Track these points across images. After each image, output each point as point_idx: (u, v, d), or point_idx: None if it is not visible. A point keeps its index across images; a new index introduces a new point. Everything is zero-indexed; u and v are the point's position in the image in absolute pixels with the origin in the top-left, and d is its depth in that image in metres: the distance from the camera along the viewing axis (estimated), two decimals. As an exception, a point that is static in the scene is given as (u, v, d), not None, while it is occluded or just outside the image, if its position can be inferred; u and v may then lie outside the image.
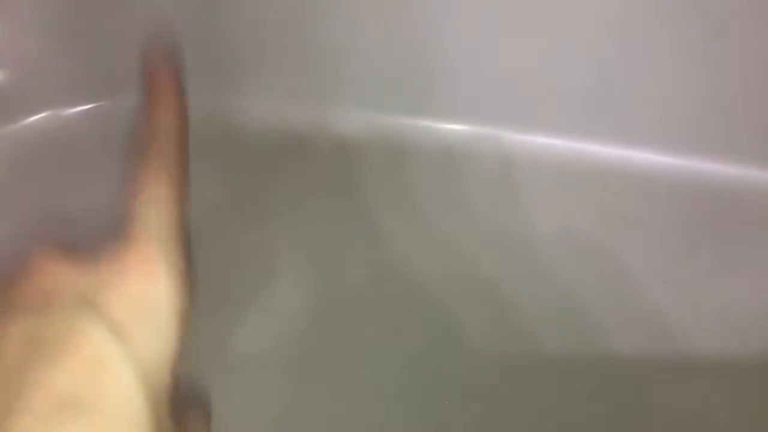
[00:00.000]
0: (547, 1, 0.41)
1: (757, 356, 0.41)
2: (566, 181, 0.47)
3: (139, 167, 0.26)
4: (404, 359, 0.41)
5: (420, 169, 0.46)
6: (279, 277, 0.45)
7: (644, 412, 0.39)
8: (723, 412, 0.39)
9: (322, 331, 0.42)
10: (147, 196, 0.26)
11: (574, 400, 0.39)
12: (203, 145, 0.46)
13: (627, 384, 0.40)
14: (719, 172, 0.47)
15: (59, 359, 0.21)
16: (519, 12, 0.42)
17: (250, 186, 0.46)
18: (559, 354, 0.40)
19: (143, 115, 0.27)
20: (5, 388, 0.20)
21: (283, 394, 0.38)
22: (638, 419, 0.39)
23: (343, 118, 0.47)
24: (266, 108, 0.46)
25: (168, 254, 0.25)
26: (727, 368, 0.40)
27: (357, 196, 0.46)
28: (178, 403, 0.24)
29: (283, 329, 0.42)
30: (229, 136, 0.46)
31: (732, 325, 0.42)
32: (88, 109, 0.47)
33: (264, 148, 0.47)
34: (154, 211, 0.25)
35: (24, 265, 0.24)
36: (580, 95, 0.46)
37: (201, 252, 0.44)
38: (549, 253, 0.44)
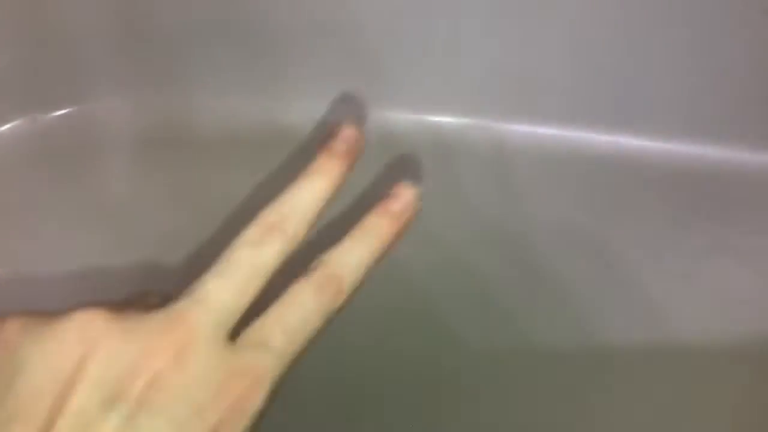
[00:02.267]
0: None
1: (750, 342, 0.40)
2: (558, 169, 0.47)
3: None
4: (393, 355, 0.40)
5: (411, 162, 0.46)
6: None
7: (636, 400, 0.38)
8: (715, 399, 0.38)
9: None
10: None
11: (566, 390, 0.39)
12: (155, 144, 0.46)
13: (619, 372, 0.39)
14: (710, 155, 0.46)
15: None
16: (502, 5, 0.41)
17: (211, 183, 0.46)
18: (550, 343, 0.40)
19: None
20: None
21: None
22: (630, 407, 0.39)
23: (330, 111, 0.47)
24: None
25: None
26: (720, 355, 0.40)
27: (347, 189, 0.45)
28: None
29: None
30: (183, 135, 0.46)
31: (725, 311, 0.41)
32: (64, 113, 0.47)
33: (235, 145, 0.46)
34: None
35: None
36: (570, 83, 0.46)
37: (175, 253, 0.43)
38: (540, 242, 0.44)
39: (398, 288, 0.42)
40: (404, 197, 0.33)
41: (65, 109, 0.46)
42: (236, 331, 0.26)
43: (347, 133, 0.33)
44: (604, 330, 0.41)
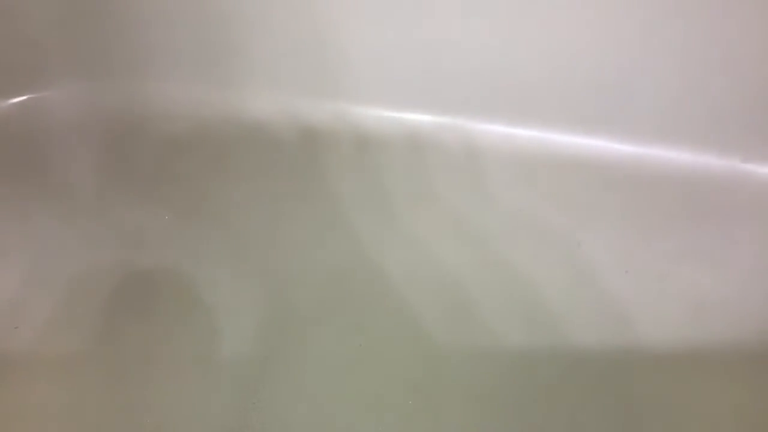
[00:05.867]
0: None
1: (722, 346, 0.41)
2: (529, 170, 0.47)
3: None
4: (366, 353, 0.39)
5: (385, 159, 0.46)
6: (235, 273, 0.43)
7: (607, 400, 0.38)
8: (686, 400, 0.39)
9: (283, 327, 0.40)
10: None
11: (537, 390, 0.38)
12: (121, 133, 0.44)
13: (590, 373, 0.39)
14: (683, 161, 0.47)
15: None
16: (482, 3, 0.41)
17: (171, 175, 0.45)
18: (522, 344, 0.40)
19: None
20: None
21: (242, 392, 0.36)
22: (601, 407, 0.39)
23: (307, 109, 0.46)
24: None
25: None
26: (692, 358, 0.40)
27: (320, 186, 0.45)
28: None
29: (243, 325, 0.40)
30: (141, 125, 0.45)
31: (696, 315, 0.42)
32: (22, 100, 0.45)
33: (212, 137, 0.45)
34: None
35: None
36: (543, 85, 0.46)
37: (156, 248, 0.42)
38: (512, 244, 0.44)
39: (367, 289, 0.42)
40: None
41: (19, 97, 0.44)
42: None
43: None
44: (574, 331, 0.41)
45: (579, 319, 0.41)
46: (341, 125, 0.46)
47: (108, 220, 0.43)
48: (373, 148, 0.46)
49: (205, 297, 0.40)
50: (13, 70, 0.44)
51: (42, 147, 0.44)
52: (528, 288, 0.42)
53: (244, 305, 0.40)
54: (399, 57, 0.45)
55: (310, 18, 0.43)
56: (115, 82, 0.45)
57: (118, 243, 0.42)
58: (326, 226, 0.43)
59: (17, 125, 0.44)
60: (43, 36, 0.43)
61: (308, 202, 0.44)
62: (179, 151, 0.45)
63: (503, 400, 0.39)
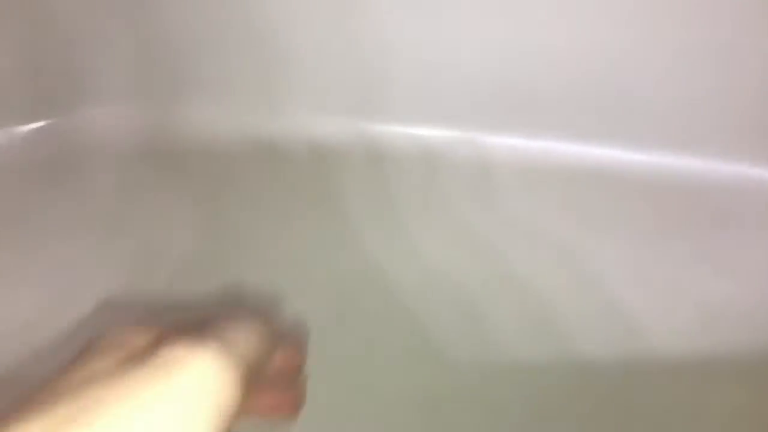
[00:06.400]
0: (517, 11, 0.41)
1: (732, 354, 0.41)
2: (539, 181, 0.48)
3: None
4: (378, 369, 0.40)
5: (398, 174, 0.46)
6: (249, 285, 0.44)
7: (622, 414, 0.39)
8: (700, 412, 0.39)
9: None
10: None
11: (550, 405, 0.39)
12: (158, 158, 0.45)
13: (604, 386, 0.39)
14: (688, 166, 0.47)
15: None
16: (489, 18, 0.42)
17: (213, 196, 0.45)
18: (533, 356, 0.40)
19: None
20: None
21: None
22: (614, 418, 0.39)
23: (318, 125, 0.47)
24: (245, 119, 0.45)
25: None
26: (703, 365, 0.40)
27: (334, 202, 0.45)
28: None
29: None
30: (168, 148, 0.45)
31: (708, 324, 0.42)
32: (40, 126, 0.46)
33: (228, 157, 0.46)
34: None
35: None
36: (551, 96, 0.46)
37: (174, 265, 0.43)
38: (522, 255, 0.44)
39: (380, 304, 0.42)
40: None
41: (43, 121, 0.45)
42: None
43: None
44: (586, 344, 0.41)
45: (590, 329, 0.42)
46: (352, 141, 0.47)
47: (123, 241, 0.43)
48: (384, 162, 0.46)
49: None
50: (37, 94, 0.45)
51: (58, 172, 0.45)
52: (539, 299, 0.43)
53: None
54: (408, 72, 0.45)
55: (334, 43, 0.43)
56: (142, 106, 0.46)
57: (133, 264, 0.43)
58: (337, 240, 0.44)
59: (39, 150, 0.45)
60: (71, 60, 0.44)
61: (319, 218, 0.45)
62: (206, 175, 0.46)
63: (514, 411, 0.39)
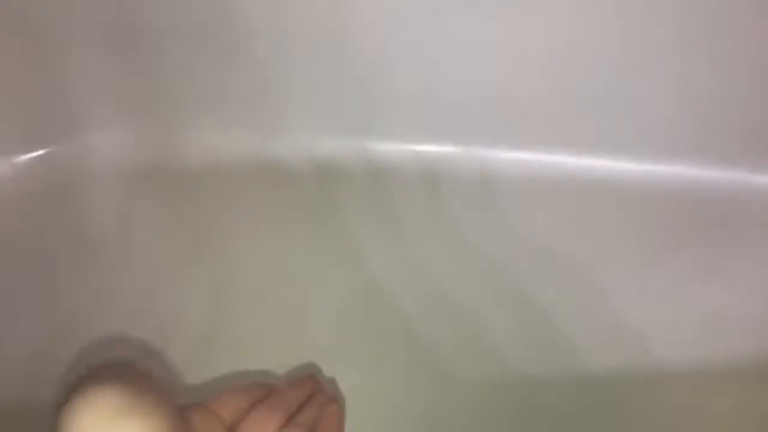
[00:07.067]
0: (511, 23, 0.41)
1: (738, 360, 0.41)
2: (542, 194, 0.47)
3: None
4: (381, 384, 0.40)
5: (399, 191, 0.46)
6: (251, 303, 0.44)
7: (625, 425, 0.39)
8: (703, 421, 0.39)
9: (294, 358, 0.41)
10: None
11: (554, 418, 0.39)
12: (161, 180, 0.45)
13: (606, 396, 0.40)
14: (688, 174, 0.47)
15: None
16: (488, 33, 0.42)
17: (200, 219, 0.46)
18: (537, 370, 0.40)
19: None
20: None
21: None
22: (620, 431, 0.39)
23: (319, 143, 0.47)
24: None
25: None
26: (708, 374, 0.40)
27: (336, 221, 0.45)
28: None
29: (258, 352, 0.41)
30: (169, 170, 0.45)
31: (710, 332, 0.42)
32: (39, 155, 0.45)
33: (228, 177, 0.46)
34: None
35: None
36: (553, 109, 0.46)
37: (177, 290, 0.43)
38: (525, 269, 0.44)
39: (383, 321, 0.42)
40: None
41: (42, 149, 0.45)
42: None
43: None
44: (589, 355, 0.41)
45: (592, 342, 0.42)
46: (352, 158, 0.47)
47: (124, 271, 0.43)
48: (385, 179, 0.46)
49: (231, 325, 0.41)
50: (35, 121, 0.45)
51: (58, 200, 0.45)
52: (541, 312, 0.43)
53: (259, 340, 0.41)
54: (408, 88, 0.45)
55: (332, 62, 0.43)
56: (143, 129, 0.46)
57: (136, 294, 0.43)
58: (339, 259, 0.44)
59: (36, 179, 0.45)
60: (67, 87, 0.44)
61: (321, 236, 0.45)
62: (208, 196, 0.46)
63: (517, 425, 0.39)
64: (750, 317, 0.43)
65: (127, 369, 0.31)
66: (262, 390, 0.37)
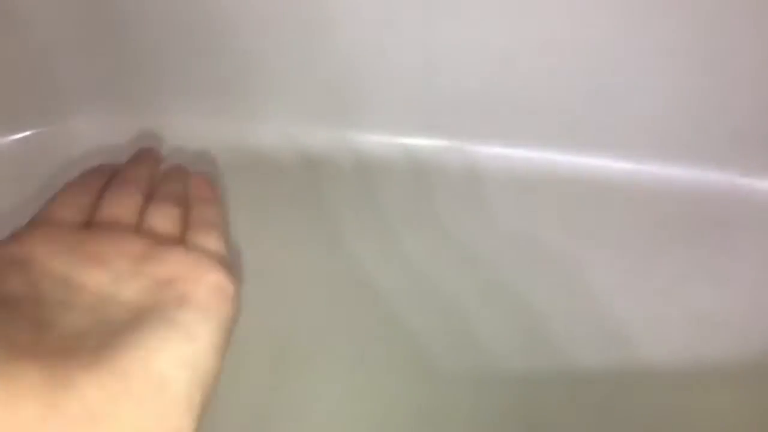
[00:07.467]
0: (503, 16, 0.41)
1: (726, 361, 0.41)
2: (529, 191, 0.47)
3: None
4: (368, 380, 0.40)
5: (386, 184, 0.46)
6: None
7: (615, 425, 0.39)
8: (694, 421, 0.38)
9: (283, 354, 0.41)
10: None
11: (543, 416, 0.39)
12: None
13: (594, 395, 0.39)
14: (678, 175, 0.47)
15: None
16: (475, 27, 0.42)
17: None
18: (525, 367, 0.40)
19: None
20: None
21: (242, 419, 0.37)
22: (607, 429, 0.39)
23: (304, 135, 0.46)
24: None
25: None
26: (695, 375, 0.40)
27: (322, 213, 0.45)
28: None
29: (242, 350, 0.41)
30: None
31: (701, 333, 0.42)
32: (27, 135, 0.45)
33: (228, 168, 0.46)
34: None
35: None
36: (544, 105, 0.46)
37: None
38: (512, 266, 0.44)
39: (369, 315, 0.42)
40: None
41: (27, 131, 0.45)
42: None
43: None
44: (577, 353, 0.41)
45: (583, 339, 0.41)
46: (341, 151, 0.46)
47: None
48: (374, 173, 0.46)
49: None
50: (18, 104, 0.44)
51: (44, 182, 0.45)
52: (529, 310, 0.42)
53: (244, 335, 0.40)
54: (395, 80, 0.45)
55: (317, 48, 0.43)
56: (125, 114, 0.46)
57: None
58: (326, 253, 0.44)
59: (22, 160, 0.45)
60: (52, 69, 0.44)
61: (308, 229, 0.44)
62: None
63: (507, 424, 0.39)
64: (739, 318, 0.42)
65: None
66: (99, 175, 0.33)
